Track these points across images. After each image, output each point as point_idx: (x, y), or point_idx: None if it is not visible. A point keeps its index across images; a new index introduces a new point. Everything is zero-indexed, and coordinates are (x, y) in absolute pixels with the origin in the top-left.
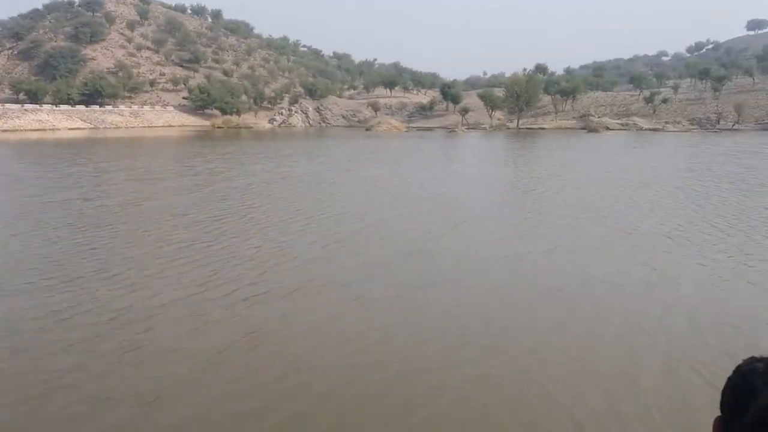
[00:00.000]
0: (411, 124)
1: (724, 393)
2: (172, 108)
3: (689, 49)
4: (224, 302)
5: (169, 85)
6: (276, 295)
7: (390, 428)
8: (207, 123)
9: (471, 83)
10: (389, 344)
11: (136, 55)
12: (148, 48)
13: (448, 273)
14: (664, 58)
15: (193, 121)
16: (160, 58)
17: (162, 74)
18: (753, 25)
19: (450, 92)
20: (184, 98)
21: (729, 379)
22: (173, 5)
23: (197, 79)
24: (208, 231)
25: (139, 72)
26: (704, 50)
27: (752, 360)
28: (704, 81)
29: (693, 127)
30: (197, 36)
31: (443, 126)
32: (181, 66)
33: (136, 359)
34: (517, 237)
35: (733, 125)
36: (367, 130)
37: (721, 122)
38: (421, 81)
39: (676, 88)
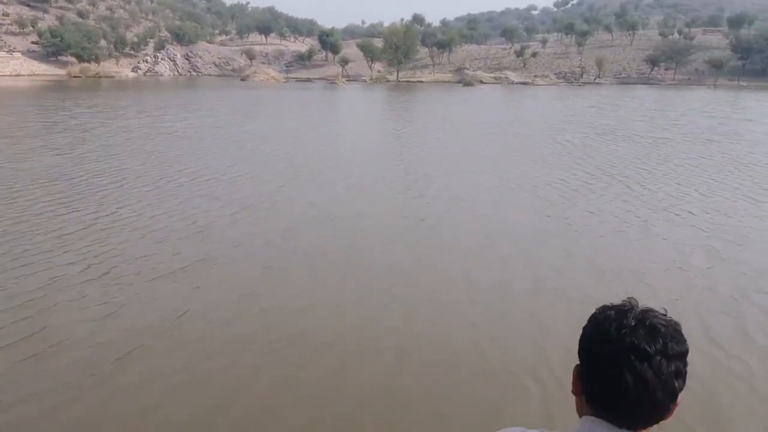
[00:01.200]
0: (290, 75)
1: (580, 342)
2: (19, 54)
3: (556, 4)
4: (127, 281)
5: (15, 28)
6: (182, 268)
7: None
8: (62, 72)
9: (350, 32)
10: (312, 316)
11: None
12: None
13: (355, 236)
14: (534, 12)
15: (46, 70)
16: None
17: (5, 15)
18: None
19: (329, 41)
20: (33, 43)
21: (584, 328)
22: None
23: (48, 21)
24: (93, 196)
25: None
26: (569, 5)
27: (604, 308)
28: (569, 35)
29: (559, 80)
30: None
31: (323, 77)
32: (28, 5)
33: (36, 354)
34: (414, 195)
35: (595, 79)
36: (242, 80)
37: (584, 76)
38: (298, 28)
39: (544, 42)
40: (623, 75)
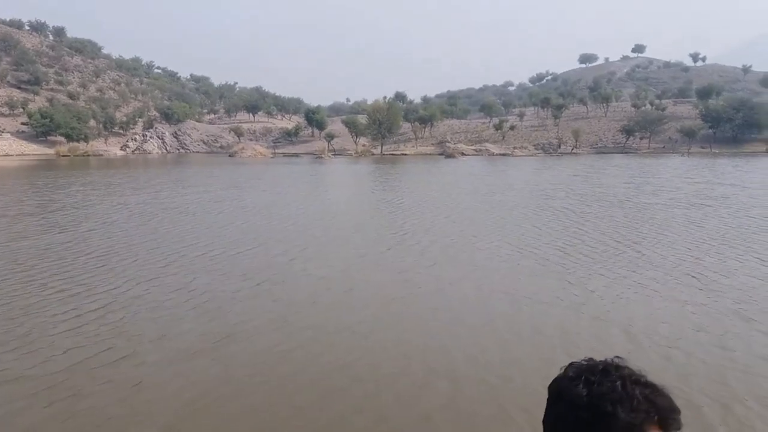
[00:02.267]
0: (277, 150)
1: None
2: (9, 135)
3: (532, 80)
4: (147, 362)
5: (5, 109)
6: (200, 349)
7: None
8: (50, 151)
9: (335, 109)
10: (342, 399)
11: None
12: None
13: (370, 310)
14: (510, 88)
15: (35, 150)
16: None
17: None
18: (584, 58)
19: (315, 118)
20: (23, 124)
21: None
22: (7, 20)
23: (38, 102)
24: (101, 274)
25: None
26: (545, 80)
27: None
28: (546, 109)
29: (538, 151)
30: (37, 55)
31: (309, 152)
32: (19, 88)
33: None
34: (426, 264)
35: (572, 149)
36: (230, 156)
37: (562, 147)
38: (284, 106)
39: (521, 115)
40: (600, 145)
